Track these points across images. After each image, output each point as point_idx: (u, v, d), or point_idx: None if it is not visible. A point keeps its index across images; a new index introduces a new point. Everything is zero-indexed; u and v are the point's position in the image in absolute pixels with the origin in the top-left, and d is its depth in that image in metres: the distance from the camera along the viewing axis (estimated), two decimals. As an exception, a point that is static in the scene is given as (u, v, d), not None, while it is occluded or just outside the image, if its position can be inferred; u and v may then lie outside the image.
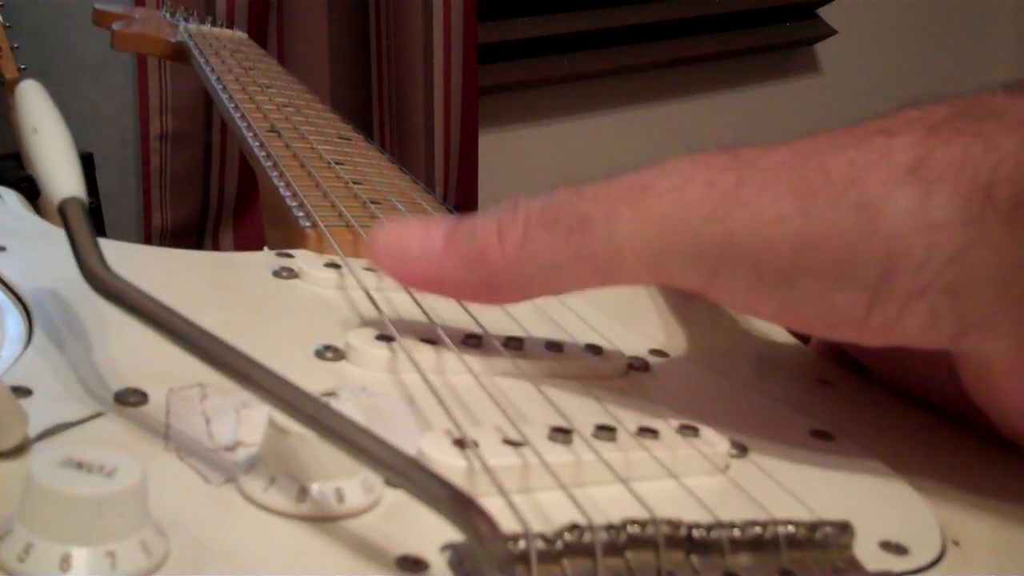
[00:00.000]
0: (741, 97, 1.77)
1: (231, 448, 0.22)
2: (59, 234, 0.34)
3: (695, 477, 0.24)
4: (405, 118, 1.33)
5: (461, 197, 1.39)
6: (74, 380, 0.24)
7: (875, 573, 0.20)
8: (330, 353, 0.28)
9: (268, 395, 0.21)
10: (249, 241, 1.30)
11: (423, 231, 0.28)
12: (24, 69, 1.10)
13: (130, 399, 0.24)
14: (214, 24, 0.76)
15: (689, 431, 0.26)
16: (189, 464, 0.22)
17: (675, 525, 0.20)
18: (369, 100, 1.35)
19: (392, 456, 0.19)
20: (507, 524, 0.19)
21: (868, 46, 1.86)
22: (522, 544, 0.18)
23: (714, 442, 0.25)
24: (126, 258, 0.33)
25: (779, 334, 0.36)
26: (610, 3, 1.54)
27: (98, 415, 0.23)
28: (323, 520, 0.20)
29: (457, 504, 0.18)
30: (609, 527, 0.19)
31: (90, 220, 0.26)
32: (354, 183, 0.42)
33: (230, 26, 1.18)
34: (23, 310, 0.28)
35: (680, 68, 1.68)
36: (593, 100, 1.63)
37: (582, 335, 0.32)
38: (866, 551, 0.21)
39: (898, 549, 0.22)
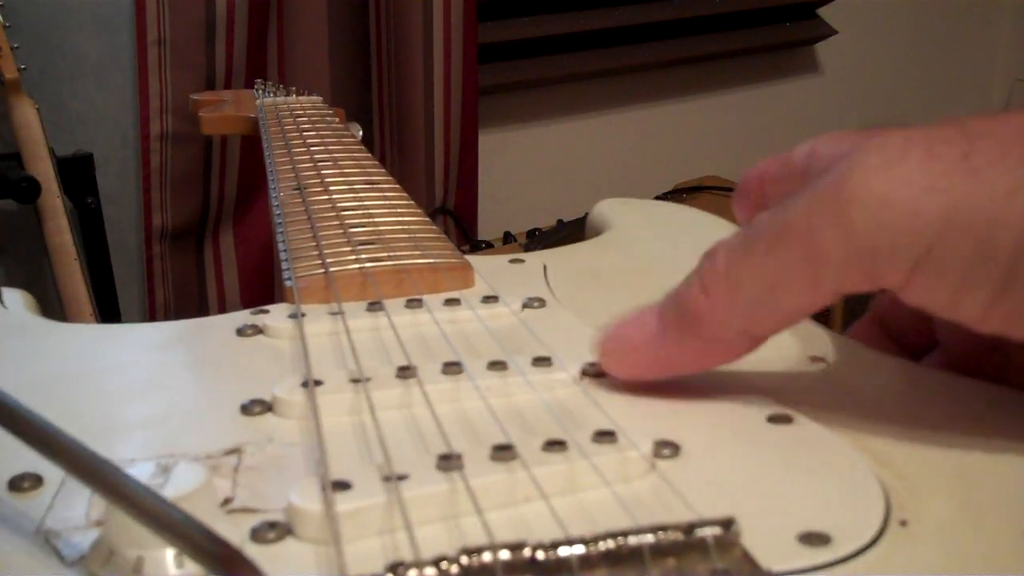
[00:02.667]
0: (741, 97, 1.77)
1: (101, 522, 0.22)
2: (35, 326, 0.36)
3: (599, 490, 0.23)
4: (405, 118, 1.33)
5: (461, 197, 1.39)
6: None
7: (760, 572, 0.19)
8: (257, 407, 0.28)
9: (69, 465, 0.21)
10: (249, 241, 1.30)
11: (638, 321, 0.28)
12: (24, 69, 1.10)
13: (23, 484, 0.24)
14: (296, 93, 0.80)
15: (605, 438, 0.25)
16: (52, 544, 0.22)
17: (516, 548, 0.19)
18: (369, 100, 1.35)
19: (166, 513, 0.19)
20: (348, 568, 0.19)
21: (868, 46, 1.86)
22: None
23: (626, 448, 0.24)
24: (98, 340, 0.35)
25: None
26: (610, 3, 1.54)
27: None
28: None
29: (225, 562, 0.18)
30: (439, 560, 0.18)
31: None
32: (355, 227, 0.43)
33: (231, 27, 1.18)
34: None
35: (680, 68, 1.68)
36: (593, 100, 1.63)
37: (538, 350, 0.31)
38: (783, 545, 0.21)
39: (819, 539, 0.21)
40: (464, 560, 0.18)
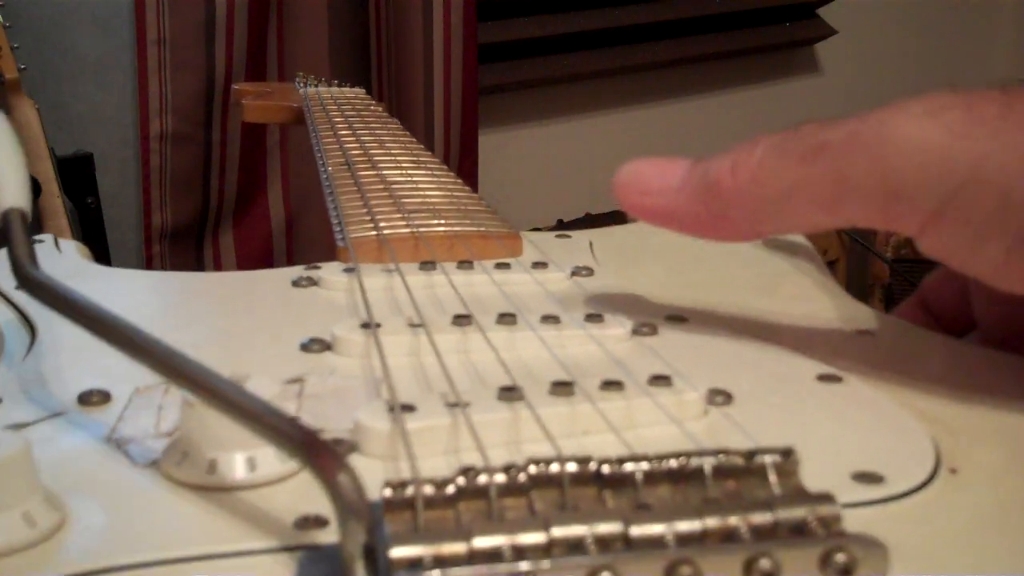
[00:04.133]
0: (741, 97, 1.77)
1: (170, 433, 0.24)
2: (90, 271, 0.38)
3: (656, 427, 0.24)
4: (405, 118, 1.33)
5: (461, 197, 1.39)
6: (45, 386, 0.26)
7: (813, 494, 0.19)
8: (316, 345, 0.29)
9: (170, 372, 0.21)
10: (249, 242, 1.30)
11: (662, 169, 0.28)
12: (24, 69, 1.10)
13: (92, 399, 0.25)
14: (339, 85, 0.83)
15: (661, 382, 0.25)
16: (124, 450, 0.23)
17: (583, 461, 0.19)
18: (369, 100, 1.35)
19: (260, 409, 0.20)
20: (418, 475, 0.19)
21: (868, 46, 1.86)
22: (409, 490, 0.18)
23: (683, 390, 0.25)
24: (158, 284, 0.38)
25: (827, 292, 0.36)
26: (610, 3, 1.54)
27: (56, 415, 0.25)
28: (232, 489, 0.21)
29: (311, 450, 0.19)
30: (508, 467, 0.19)
31: (26, 228, 0.29)
32: (405, 198, 0.44)
33: (231, 27, 1.18)
34: (27, 326, 0.31)
35: (680, 68, 1.68)
36: (593, 100, 1.63)
37: (590, 309, 0.32)
38: (836, 481, 0.21)
39: (872, 478, 0.22)
40: (532, 469, 0.19)
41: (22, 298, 0.32)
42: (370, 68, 1.34)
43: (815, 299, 0.36)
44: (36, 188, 1.08)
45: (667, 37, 1.62)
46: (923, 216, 0.24)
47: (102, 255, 1.21)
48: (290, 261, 1.32)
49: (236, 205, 1.28)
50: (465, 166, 1.38)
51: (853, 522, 0.19)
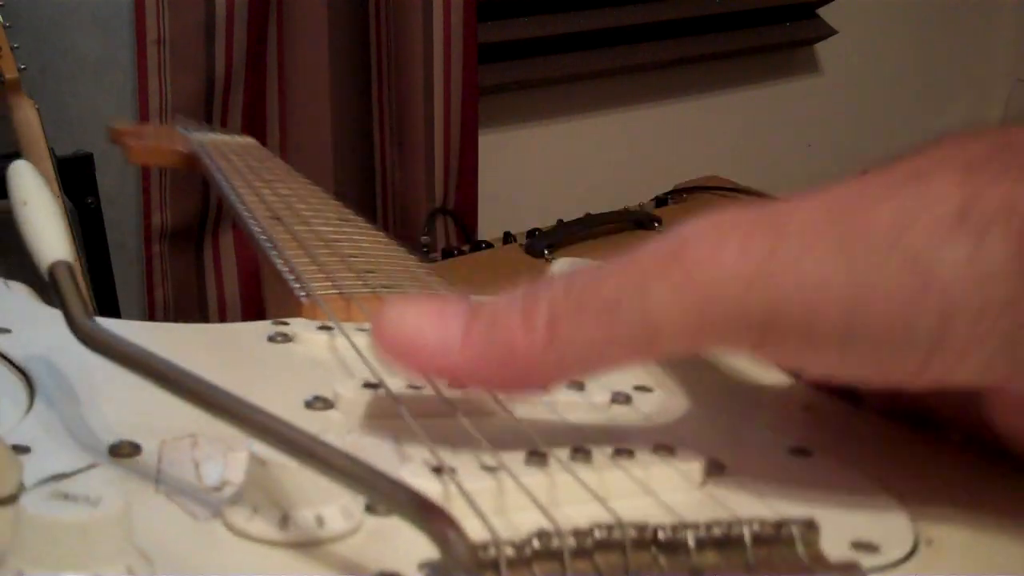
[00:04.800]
0: (741, 97, 1.77)
1: (218, 488, 0.24)
2: (59, 315, 0.36)
3: (671, 493, 0.25)
4: (405, 118, 1.33)
5: (461, 197, 1.39)
6: (71, 437, 0.26)
7: (840, 563, 0.21)
8: (319, 403, 0.29)
9: (247, 425, 0.22)
10: (249, 243, 1.30)
11: (436, 319, 0.26)
12: (24, 69, 1.10)
13: (123, 451, 0.25)
14: (224, 131, 0.82)
15: (664, 450, 0.27)
16: (177, 503, 0.23)
17: (641, 527, 0.21)
18: (369, 100, 1.35)
19: (362, 471, 0.21)
20: (481, 538, 0.20)
21: (868, 46, 1.86)
22: (492, 551, 0.19)
23: (689, 459, 0.26)
24: (126, 335, 0.35)
25: (766, 370, 0.37)
26: (610, 3, 1.54)
27: (92, 466, 0.24)
28: (304, 545, 0.22)
29: (423, 511, 0.20)
30: (577, 532, 0.20)
31: (77, 281, 0.28)
32: (350, 256, 0.44)
33: (231, 27, 1.18)
34: (26, 383, 0.30)
35: (680, 68, 1.68)
36: (593, 100, 1.63)
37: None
38: (838, 550, 0.22)
39: (869, 547, 0.23)
40: (598, 533, 0.20)
41: (12, 349, 0.32)
42: (370, 68, 1.34)
43: (754, 370, 0.37)
44: (36, 188, 1.07)
45: (667, 37, 1.62)
46: (744, 349, 0.25)
47: (102, 255, 1.21)
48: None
49: (236, 205, 1.28)
50: (465, 166, 1.38)
51: None
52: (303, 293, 0.38)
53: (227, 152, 0.70)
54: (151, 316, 1.26)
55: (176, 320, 1.26)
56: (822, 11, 1.74)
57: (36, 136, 1.10)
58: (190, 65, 1.18)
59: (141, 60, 1.17)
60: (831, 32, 1.74)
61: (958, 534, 0.25)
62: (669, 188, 1.45)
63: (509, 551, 0.19)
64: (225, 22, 1.18)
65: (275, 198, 0.56)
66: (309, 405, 0.29)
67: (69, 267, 0.29)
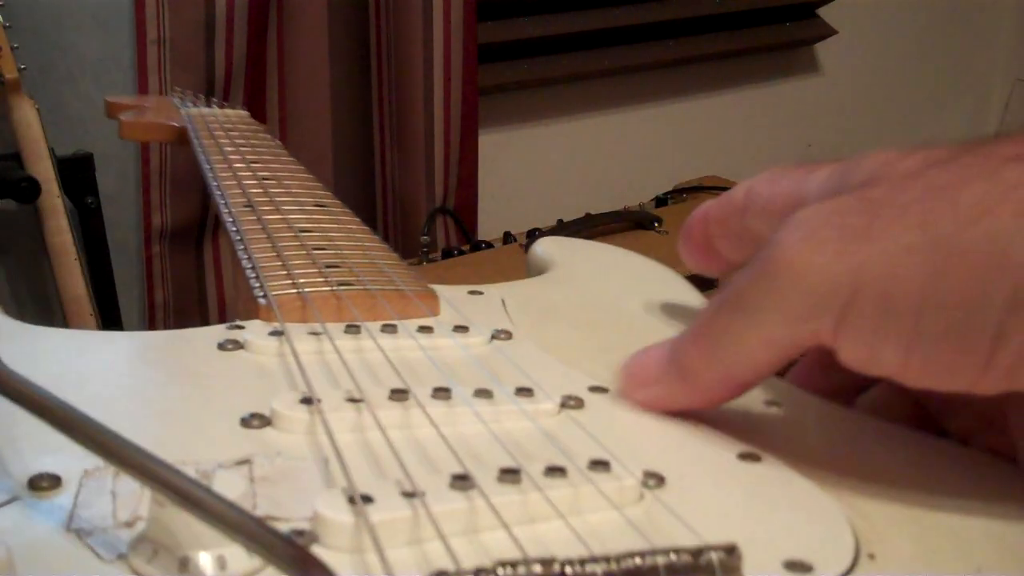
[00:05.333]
0: (741, 97, 1.77)
1: (131, 523, 0.23)
2: (5, 329, 0.36)
3: (599, 513, 0.25)
4: (405, 118, 1.33)
5: (461, 197, 1.39)
6: None
7: None
8: (256, 421, 0.28)
9: (133, 470, 0.21)
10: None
11: (654, 356, 0.31)
12: (24, 69, 1.10)
13: (42, 484, 0.24)
14: (219, 105, 0.79)
15: (600, 467, 0.26)
16: (86, 543, 0.22)
17: (547, 563, 0.20)
18: (369, 100, 1.35)
19: (241, 520, 0.20)
20: None
21: (868, 46, 1.86)
22: None
23: (621, 476, 0.26)
24: (79, 347, 0.35)
25: None
26: (610, 3, 1.54)
27: (11, 500, 0.24)
28: None
29: (298, 562, 0.19)
30: (478, 571, 0.20)
31: None
32: (316, 250, 0.43)
33: (231, 27, 1.18)
34: None
35: (680, 68, 1.68)
36: (593, 100, 1.63)
37: (518, 380, 0.32)
38: (770, 571, 0.22)
39: (802, 567, 0.23)
40: (500, 572, 0.20)
41: None
42: (370, 68, 1.34)
43: None
44: (36, 188, 1.08)
45: (667, 37, 1.62)
46: (828, 334, 0.26)
47: (102, 255, 1.21)
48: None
49: (236, 205, 1.28)
50: (465, 166, 1.38)
51: None
52: (261, 295, 0.38)
53: (214, 128, 0.68)
54: (151, 316, 1.26)
55: (176, 320, 1.26)
56: (822, 11, 1.74)
57: (36, 136, 1.10)
58: (190, 65, 1.18)
59: (141, 60, 1.17)
60: (831, 32, 1.74)
61: (904, 548, 0.24)
62: (669, 188, 1.45)
63: None
64: (225, 22, 1.18)
65: (253, 181, 0.54)
66: (245, 423, 0.28)
67: None
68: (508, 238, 1.28)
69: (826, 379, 0.34)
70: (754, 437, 0.30)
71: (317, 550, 0.22)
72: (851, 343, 0.26)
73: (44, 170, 1.09)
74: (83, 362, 0.34)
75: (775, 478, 0.27)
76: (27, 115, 1.10)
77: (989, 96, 2.08)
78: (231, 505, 0.20)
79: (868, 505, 0.26)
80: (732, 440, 0.29)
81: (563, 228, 1.26)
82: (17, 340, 0.35)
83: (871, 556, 0.24)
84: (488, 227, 1.43)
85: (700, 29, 1.64)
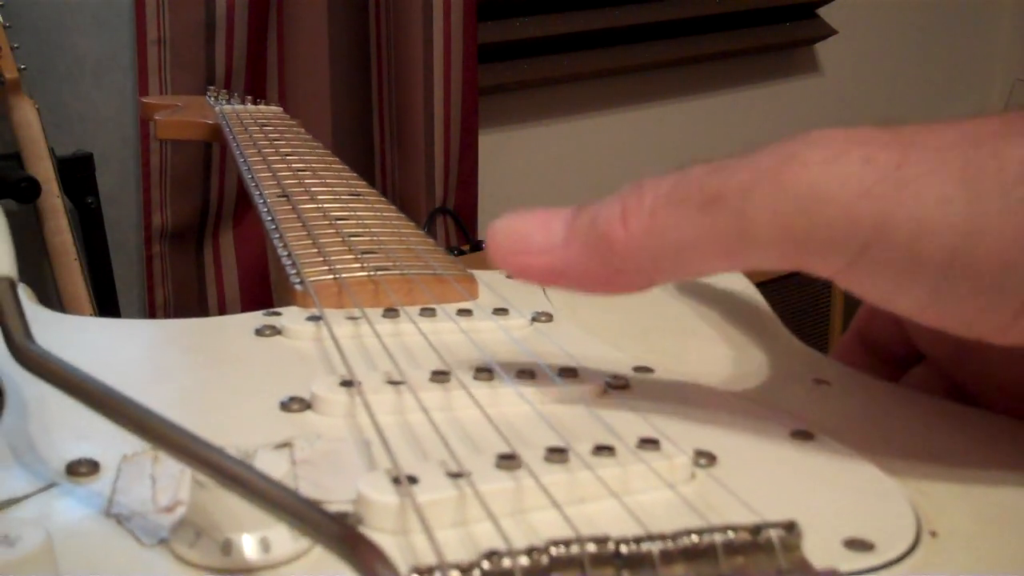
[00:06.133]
0: (741, 97, 1.77)
1: (171, 508, 0.23)
2: (47, 319, 0.36)
3: (651, 494, 0.24)
4: (405, 118, 1.33)
5: (461, 197, 1.39)
6: (29, 455, 0.25)
7: (820, 572, 0.20)
8: (296, 404, 0.28)
9: (179, 453, 0.21)
10: (248, 242, 1.30)
11: (542, 222, 0.27)
12: (24, 69, 1.10)
13: (81, 469, 0.24)
14: (252, 102, 0.80)
15: (649, 445, 0.25)
16: (127, 528, 0.22)
17: (601, 541, 0.19)
18: (369, 100, 1.35)
19: (289, 500, 0.20)
20: (433, 557, 0.19)
21: (868, 46, 1.86)
22: None
23: (672, 454, 0.25)
24: (114, 334, 0.35)
25: (777, 336, 0.36)
26: (610, 3, 1.54)
27: (50, 487, 0.24)
28: (249, 571, 0.21)
29: (350, 543, 0.19)
30: (531, 550, 0.19)
31: (17, 298, 0.27)
32: (352, 236, 0.43)
33: (231, 27, 1.18)
34: None
35: (680, 68, 1.68)
36: (593, 100, 1.63)
37: (560, 360, 0.32)
38: (829, 550, 0.22)
39: (863, 545, 0.22)
40: (554, 551, 0.19)
41: None
42: (370, 68, 1.34)
43: (768, 343, 0.36)
44: (36, 188, 1.08)
45: (667, 37, 1.62)
46: (834, 268, 0.24)
47: (102, 255, 1.21)
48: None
49: (236, 205, 1.28)
50: (465, 166, 1.38)
51: None
52: (297, 281, 0.38)
53: (247, 123, 0.69)
54: (151, 316, 1.26)
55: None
56: (822, 11, 1.74)
57: (36, 136, 1.10)
58: (190, 65, 1.18)
59: (141, 60, 1.17)
60: (831, 32, 1.74)
61: (965, 525, 0.23)
62: (669, 188, 1.45)
63: (455, 574, 0.18)
64: (225, 22, 1.18)
65: (287, 172, 0.55)
66: (285, 407, 0.28)
67: (11, 284, 0.28)
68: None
69: (870, 356, 0.33)
70: (805, 415, 0.29)
71: (362, 531, 0.22)
72: (863, 284, 0.24)
73: (44, 170, 1.10)
74: (120, 349, 0.34)
75: (830, 456, 0.27)
76: (27, 115, 1.10)
77: (989, 96, 2.08)
78: (276, 484, 0.20)
79: (926, 482, 0.25)
80: (783, 418, 0.29)
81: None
82: (53, 328, 0.35)
83: (933, 534, 0.23)
84: (488, 227, 1.42)
85: (700, 29, 1.64)
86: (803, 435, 0.27)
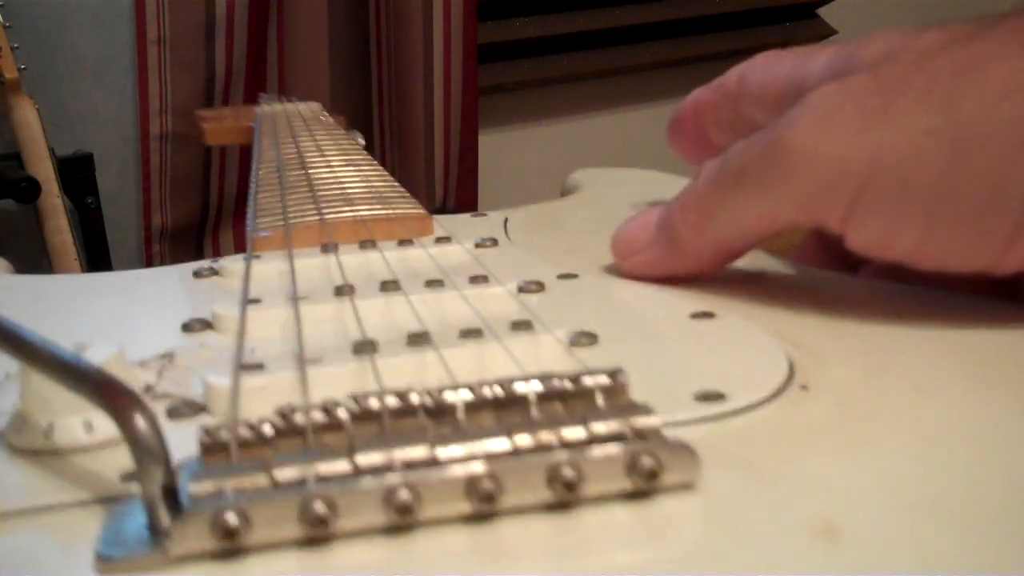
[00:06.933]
0: (741, 97, 1.77)
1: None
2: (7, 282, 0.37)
3: (507, 370, 0.24)
4: (405, 118, 1.33)
5: (461, 197, 1.39)
6: None
7: (629, 406, 0.19)
8: (197, 325, 0.30)
9: None
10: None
11: (645, 224, 0.31)
12: (24, 69, 1.10)
13: None
14: (290, 101, 0.85)
15: (521, 327, 0.25)
16: None
17: (403, 394, 0.19)
18: (369, 100, 1.35)
19: (54, 359, 0.20)
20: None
21: (868, 46, 1.86)
22: (223, 433, 0.18)
23: (541, 333, 0.25)
24: (67, 285, 0.37)
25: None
26: (610, 3, 1.54)
27: None
28: (70, 452, 0.21)
29: (106, 392, 0.19)
30: (326, 405, 0.19)
31: None
32: (322, 192, 0.44)
33: (231, 27, 1.18)
34: None
35: (680, 68, 1.68)
36: (593, 100, 1.63)
37: (478, 272, 0.32)
38: (678, 401, 0.22)
39: (713, 397, 0.22)
40: (352, 405, 0.19)
41: None
42: (370, 68, 1.34)
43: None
44: (36, 188, 1.08)
45: (667, 37, 1.62)
46: (839, 216, 0.25)
47: (102, 255, 1.21)
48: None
49: (236, 205, 1.28)
50: (465, 166, 1.38)
51: (689, 438, 0.19)
52: (249, 230, 0.39)
53: (277, 116, 0.72)
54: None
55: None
56: (822, 11, 1.74)
57: (36, 136, 1.10)
58: (190, 65, 1.18)
59: (141, 60, 1.17)
60: (831, 32, 1.74)
61: (840, 378, 0.23)
62: (669, 188, 1.45)
63: (243, 431, 0.18)
64: (225, 22, 1.18)
65: (292, 149, 0.56)
66: (187, 327, 0.29)
67: None
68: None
69: (826, 254, 0.34)
70: (717, 300, 0.29)
71: (204, 417, 0.23)
72: (863, 228, 0.25)
73: (44, 170, 1.09)
74: (56, 298, 0.35)
75: (724, 328, 0.27)
76: (27, 115, 1.10)
77: (989, 96, 2.08)
78: (48, 347, 0.20)
79: (822, 345, 0.25)
80: (691, 303, 0.29)
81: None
82: (14, 290, 0.37)
83: (803, 387, 0.23)
84: (488, 227, 1.42)
85: (700, 29, 1.64)
86: (703, 315, 0.28)
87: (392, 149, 1.36)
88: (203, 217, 1.27)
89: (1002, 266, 0.24)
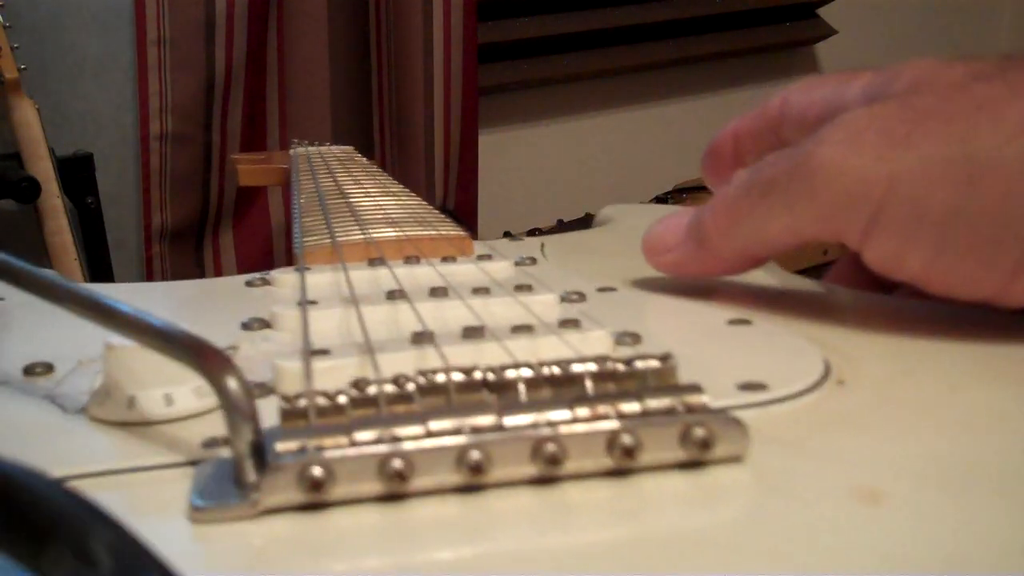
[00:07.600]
0: (741, 97, 1.77)
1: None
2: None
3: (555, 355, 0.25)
4: (405, 118, 1.33)
5: (461, 198, 1.39)
6: None
7: (682, 385, 0.20)
8: (256, 324, 0.31)
9: (77, 305, 0.23)
10: (249, 242, 1.30)
11: (674, 225, 0.32)
12: (24, 69, 1.10)
13: (36, 370, 0.27)
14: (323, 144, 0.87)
15: (569, 324, 0.27)
16: (57, 404, 0.25)
17: (468, 370, 0.20)
18: (369, 100, 1.35)
19: (149, 327, 0.21)
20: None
21: (868, 46, 1.86)
22: (302, 401, 0.19)
23: (590, 329, 0.26)
24: (129, 297, 0.37)
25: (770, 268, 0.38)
26: (610, 3, 1.54)
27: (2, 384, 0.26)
28: (153, 423, 0.23)
29: (200, 355, 0.20)
30: (397, 378, 0.20)
31: None
32: (365, 216, 0.46)
33: (231, 27, 1.18)
34: None
35: (680, 68, 1.68)
36: (593, 100, 1.63)
37: (524, 283, 0.34)
38: (721, 389, 0.23)
39: (755, 387, 0.23)
40: (421, 379, 0.20)
41: None
42: (370, 68, 1.34)
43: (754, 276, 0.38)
44: (36, 188, 1.08)
45: (667, 37, 1.62)
46: (857, 234, 0.26)
47: (102, 255, 1.21)
48: (290, 261, 1.32)
49: (236, 205, 1.28)
50: (465, 166, 1.38)
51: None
52: (297, 246, 0.41)
53: (312, 157, 0.75)
54: (151, 316, 1.26)
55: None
56: (822, 11, 1.74)
57: (36, 136, 1.10)
58: (190, 65, 1.18)
59: (141, 60, 1.17)
60: (831, 32, 1.74)
61: (875, 375, 0.25)
62: (669, 188, 1.45)
63: (320, 400, 0.19)
64: (225, 22, 1.18)
65: (329, 182, 0.59)
66: (246, 326, 0.30)
67: None
68: (508, 238, 1.28)
69: (860, 275, 0.35)
70: (754, 311, 0.31)
71: (274, 399, 0.23)
72: (878, 246, 0.26)
73: (44, 170, 1.09)
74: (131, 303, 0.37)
75: (760, 333, 0.28)
76: (27, 115, 1.10)
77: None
78: (141, 314, 0.21)
79: (857, 350, 0.27)
80: (728, 312, 0.30)
81: (563, 228, 1.26)
82: None
83: (840, 382, 0.24)
84: (488, 227, 1.43)
85: (700, 29, 1.64)
86: (740, 321, 0.29)
87: (392, 149, 1.36)
88: (203, 217, 1.27)
89: (1007, 298, 0.25)
